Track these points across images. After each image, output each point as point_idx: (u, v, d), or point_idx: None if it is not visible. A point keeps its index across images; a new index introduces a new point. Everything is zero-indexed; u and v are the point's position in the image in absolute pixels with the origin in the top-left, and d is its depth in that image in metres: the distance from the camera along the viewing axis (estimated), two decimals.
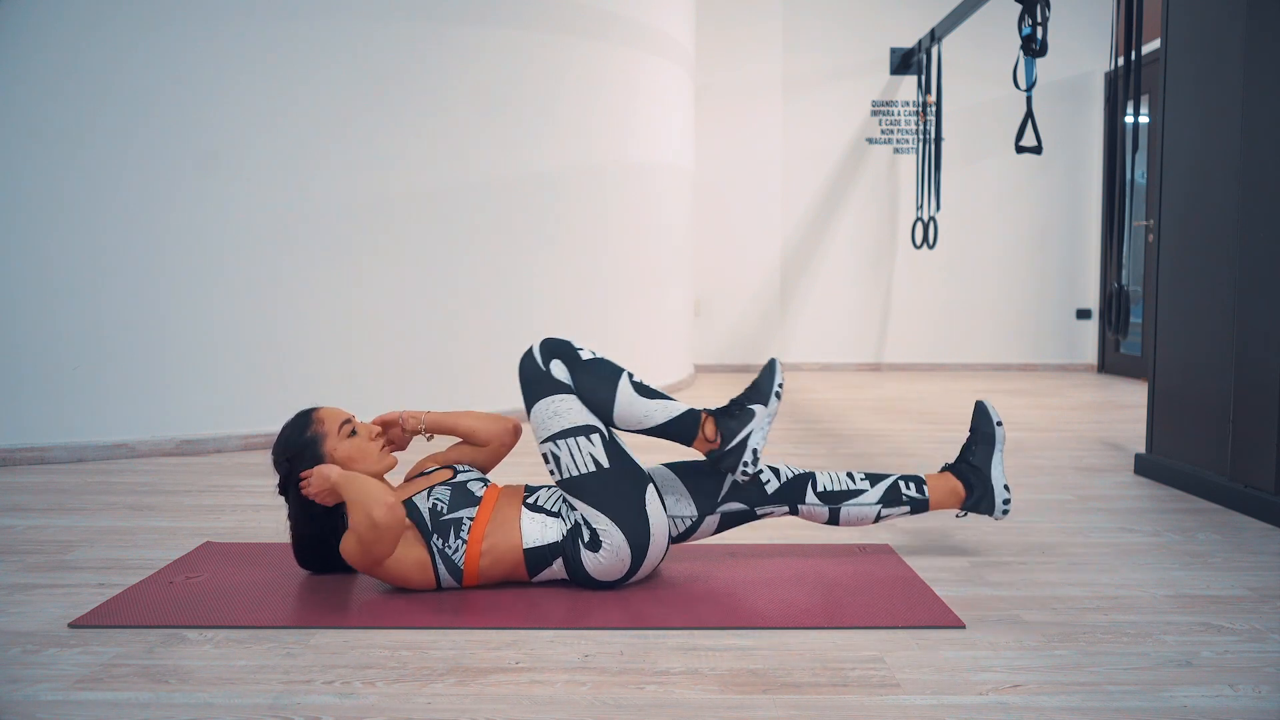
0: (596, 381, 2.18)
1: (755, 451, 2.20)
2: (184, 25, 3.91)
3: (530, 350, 2.21)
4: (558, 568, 2.18)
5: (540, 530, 2.17)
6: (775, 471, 2.34)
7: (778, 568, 2.38)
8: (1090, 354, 7.62)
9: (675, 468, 2.32)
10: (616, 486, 2.14)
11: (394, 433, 2.33)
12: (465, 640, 1.92)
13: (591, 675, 1.77)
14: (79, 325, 3.80)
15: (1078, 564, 2.45)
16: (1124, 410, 5.36)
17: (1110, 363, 7.43)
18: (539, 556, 2.16)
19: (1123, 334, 3.95)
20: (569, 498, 2.17)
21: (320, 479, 2.11)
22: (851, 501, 2.35)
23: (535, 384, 2.18)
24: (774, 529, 2.75)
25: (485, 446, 2.43)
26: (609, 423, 2.20)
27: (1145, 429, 3.60)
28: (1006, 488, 2.42)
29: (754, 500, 2.31)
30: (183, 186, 3.92)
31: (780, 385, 2.25)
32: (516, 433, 2.45)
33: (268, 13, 4.05)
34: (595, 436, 2.15)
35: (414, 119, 4.40)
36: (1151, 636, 1.95)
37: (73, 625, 1.99)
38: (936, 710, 1.63)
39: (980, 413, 2.49)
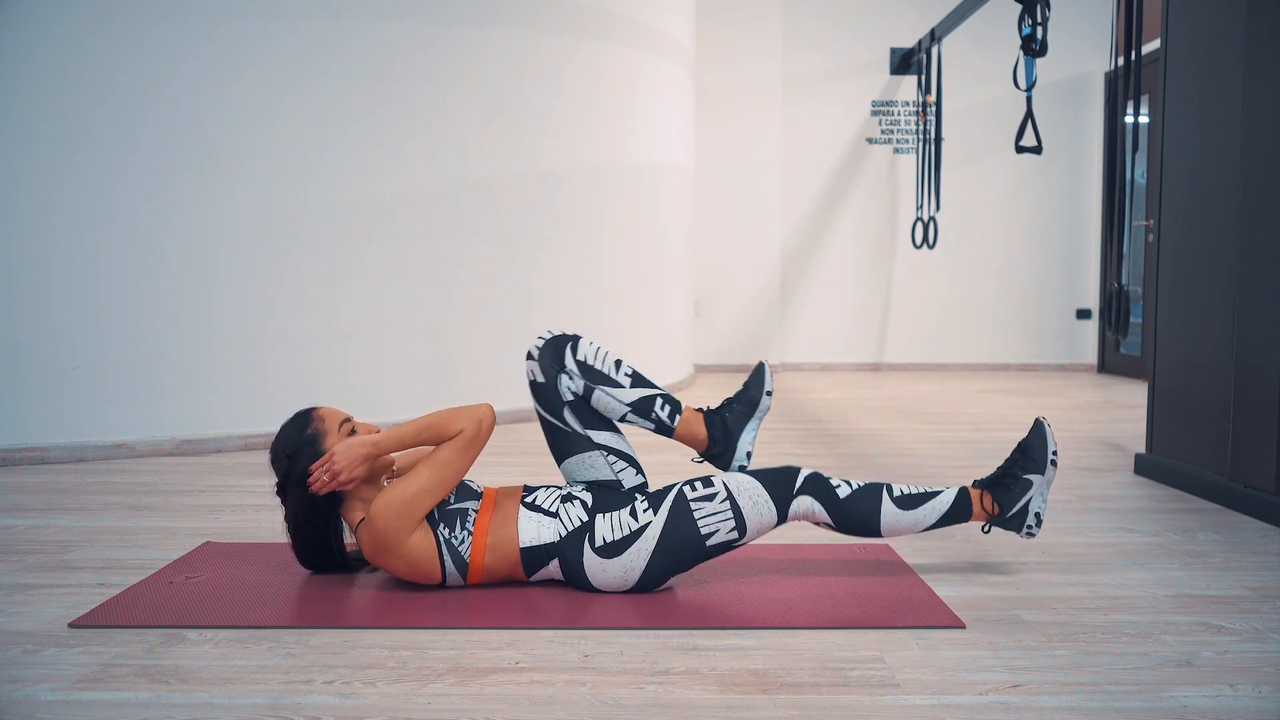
0: (859, 513, 2.20)
1: (1038, 515, 2.27)
2: (184, 25, 3.90)
3: (797, 470, 2.21)
4: (553, 568, 2.18)
5: (536, 530, 2.17)
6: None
7: (778, 568, 2.38)
8: (1090, 354, 7.62)
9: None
10: (684, 552, 2.14)
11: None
12: (465, 640, 1.92)
13: (591, 675, 1.77)
14: (79, 325, 3.80)
15: (1078, 564, 2.45)
16: (1124, 410, 5.36)
17: (1110, 363, 7.43)
18: (535, 556, 2.17)
19: (1123, 334, 3.95)
20: (652, 501, 2.15)
21: (347, 452, 2.11)
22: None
23: (781, 494, 2.17)
24: (774, 530, 2.75)
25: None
26: (875, 537, 2.24)
27: (1145, 429, 3.60)
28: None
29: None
30: (182, 186, 3.92)
31: (1055, 453, 2.27)
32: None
33: (268, 13, 4.05)
34: (737, 536, 2.16)
35: (414, 119, 4.40)
36: (1151, 636, 1.95)
37: (73, 625, 1.99)
38: (936, 710, 1.63)
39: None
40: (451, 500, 2.17)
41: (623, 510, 2.17)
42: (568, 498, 2.21)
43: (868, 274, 7.62)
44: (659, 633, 1.97)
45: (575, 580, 2.17)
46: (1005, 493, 2.28)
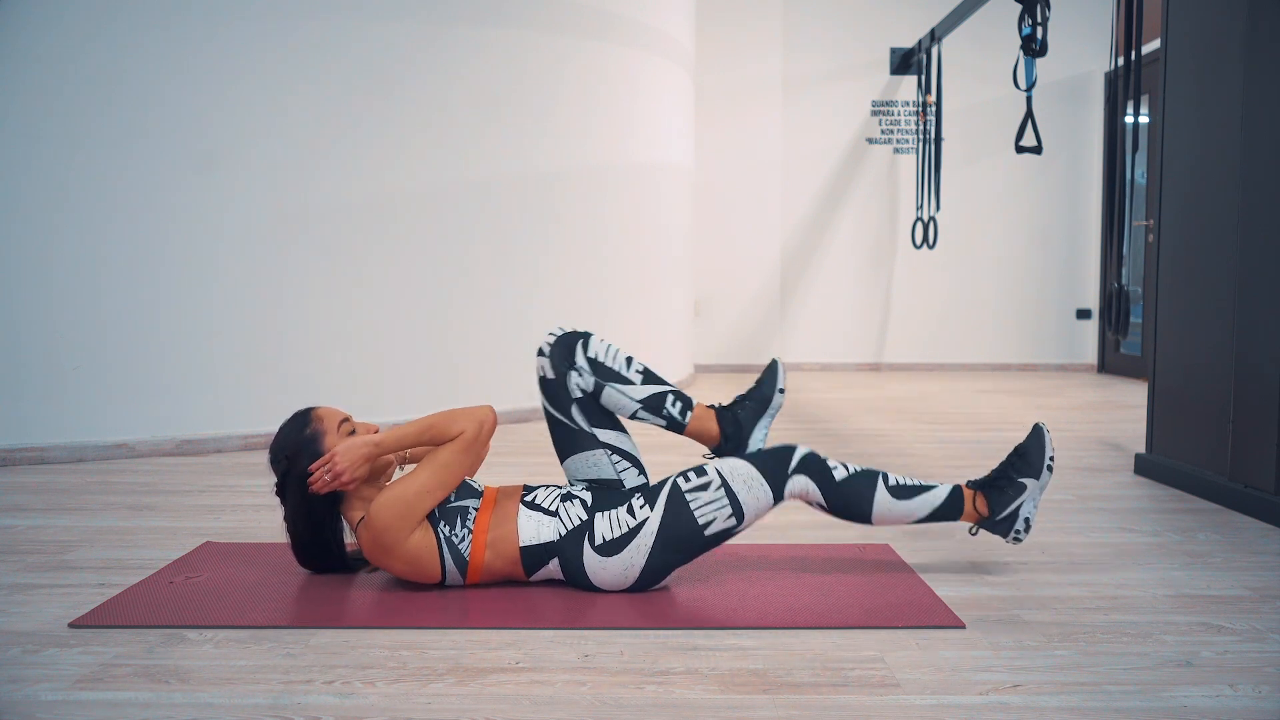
0: (852, 496, 2.19)
1: (1027, 520, 2.26)
2: (184, 26, 3.91)
3: (792, 449, 2.20)
4: (553, 567, 2.18)
5: (536, 529, 2.17)
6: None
7: (778, 568, 2.38)
8: (1090, 354, 7.62)
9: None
10: (684, 545, 2.14)
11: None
12: (465, 640, 1.92)
13: (591, 675, 1.77)
14: (79, 325, 3.80)
15: (1078, 564, 2.45)
16: (1124, 410, 5.35)
17: (1110, 363, 7.43)
18: (535, 555, 2.17)
19: (1123, 334, 3.95)
20: (648, 497, 2.15)
21: (349, 452, 2.11)
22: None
23: (776, 475, 2.16)
24: (774, 529, 2.75)
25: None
26: (866, 523, 2.24)
27: (1145, 429, 3.60)
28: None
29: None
30: (183, 186, 3.92)
31: (1052, 459, 2.28)
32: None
33: (268, 13, 4.05)
34: (735, 522, 2.15)
35: (414, 119, 4.40)
36: (1151, 636, 1.95)
37: (73, 625, 1.99)
38: (936, 710, 1.63)
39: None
40: (452, 498, 2.17)
41: (620, 508, 2.17)
42: (567, 497, 2.21)
43: (868, 274, 7.61)
44: (659, 633, 1.97)
45: (575, 579, 2.17)
46: (998, 495, 2.27)
